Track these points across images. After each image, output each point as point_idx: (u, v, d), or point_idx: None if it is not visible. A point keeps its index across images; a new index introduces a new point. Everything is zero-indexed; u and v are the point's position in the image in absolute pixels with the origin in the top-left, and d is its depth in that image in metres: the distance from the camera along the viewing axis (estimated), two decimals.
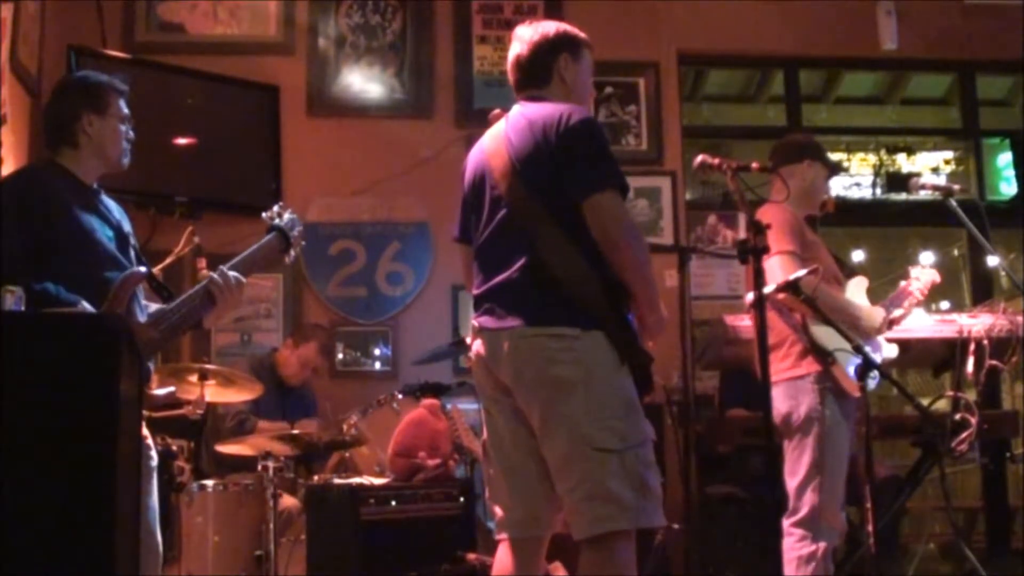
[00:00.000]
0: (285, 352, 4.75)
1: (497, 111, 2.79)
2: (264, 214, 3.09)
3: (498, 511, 2.63)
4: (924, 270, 3.68)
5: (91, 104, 2.76)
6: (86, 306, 2.47)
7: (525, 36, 2.74)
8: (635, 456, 2.42)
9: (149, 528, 2.66)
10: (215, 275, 2.78)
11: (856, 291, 3.60)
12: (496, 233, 2.61)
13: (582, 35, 2.79)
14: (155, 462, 2.82)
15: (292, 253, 3.08)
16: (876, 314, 3.52)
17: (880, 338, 3.55)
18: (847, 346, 3.07)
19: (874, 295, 3.64)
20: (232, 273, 2.79)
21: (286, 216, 3.09)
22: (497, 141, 2.66)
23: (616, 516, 2.38)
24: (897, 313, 3.60)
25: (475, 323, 2.63)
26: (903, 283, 3.67)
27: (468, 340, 2.72)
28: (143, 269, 2.64)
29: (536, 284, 2.49)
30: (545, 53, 2.71)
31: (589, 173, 2.50)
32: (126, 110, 2.83)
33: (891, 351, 3.57)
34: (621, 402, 2.44)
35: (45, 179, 2.69)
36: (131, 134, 2.84)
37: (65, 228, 2.62)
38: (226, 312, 2.85)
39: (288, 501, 4.03)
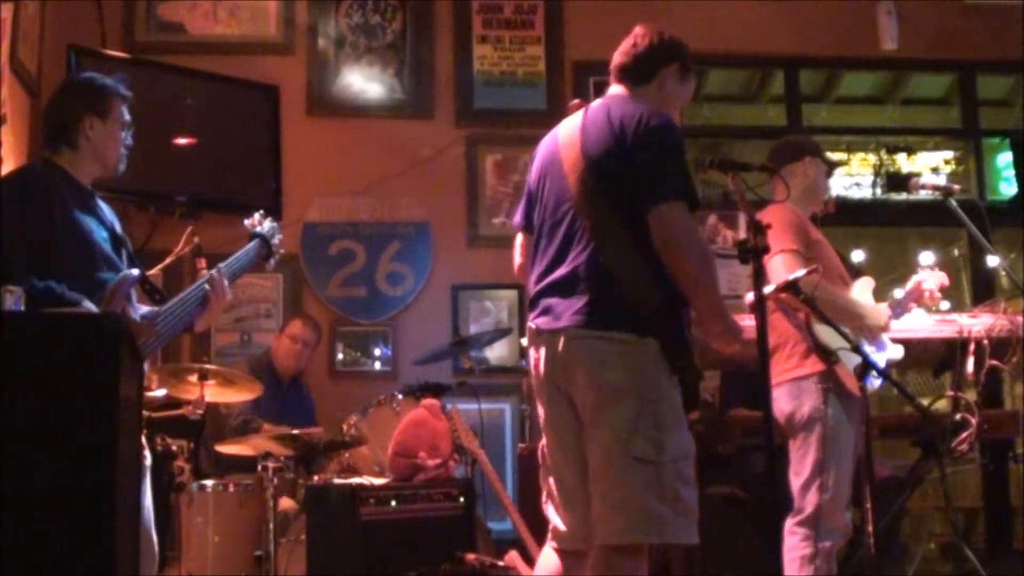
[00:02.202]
0: (275, 343, 4.80)
1: (577, 101, 2.76)
2: (246, 222, 3.16)
3: (553, 519, 2.58)
4: (933, 272, 3.67)
5: (94, 107, 2.76)
6: (88, 305, 2.48)
7: (650, 31, 2.70)
8: (673, 469, 2.38)
9: (145, 527, 2.66)
10: (214, 274, 2.80)
11: (863, 291, 3.59)
12: (558, 227, 2.55)
13: (695, 66, 2.77)
14: (149, 461, 2.82)
15: (272, 261, 3.14)
16: (881, 312, 3.51)
17: (886, 338, 3.54)
18: (847, 345, 3.06)
19: (875, 295, 3.63)
20: (213, 272, 2.83)
21: (267, 224, 3.17)
22: (572, 132, 2.59)
23: (645, 529, 2.35)
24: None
25: (532, 325, 2.59)
26: (911, 284, 3.65)
27: (524, 343, 2.69)
28: (136, 272, 2.65)
29: (596, 284, 2.45)
30: (661, 55, 2.67)
31: (659, 180, 2.43)
32: (128, 116, 2.83)
33: (897, 352, 3.56)
34: (667, 413, 2.41)
35: (44, 179, 2.69)
36: (130, 140, 2.85)
37: (64, 228, 2.62)
38: (215, 318, 2.90)
39: (285, 503, 4.02)
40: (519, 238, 2.81)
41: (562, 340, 2.46)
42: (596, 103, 2.65)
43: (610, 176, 2.48)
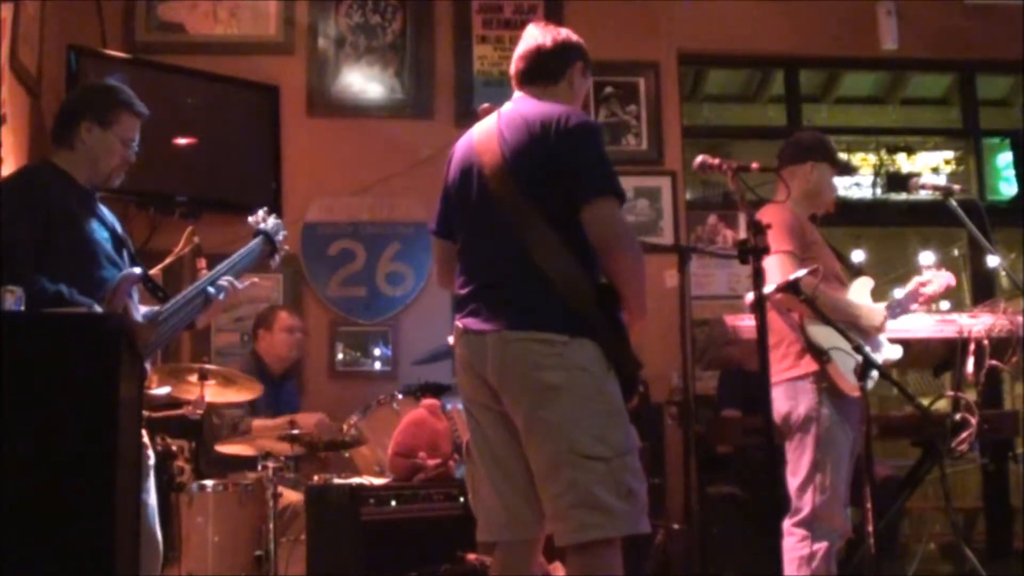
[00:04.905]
0: (264, 345, 4.69)
1: (487, 105, 2.75)
2: (250, 219, 3.15)
3: (486, 514, 2.58)
4: (939, 273, 3.67)
5: (97, 113, 2.75)
6: (98, 310, 2.48)
7: (547, 31, 2.70)
8: (622, 463, 2.39)
9: (148, 527, 2.67)
10: (223, 283, 2.81)
11: (860, 291, 3.59)
12: (484, 231, 2.56)
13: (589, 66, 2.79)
14: (152, 461, 2.82)
15: (277, 258, 3.13)
16: (876, 313, 3.52)
17: (882, 338, 3.54)
18: (843, 345, 3.06)
19: (875, 295, 3.63)
20: (227, 278, 2.83)
21: (271, 221, 3.16)
22: (489, 136, 2.60)
23: (603, 524, 2.36)
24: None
25: (459, 324, 2.58)
26: (911, 285, 3.65)
27: (451, 341, 2.68)
28: (138, 270, 2.65)
29: (525, 286, 2.45)
30: (566, 53, 2.69)
31: (590, 177, 2.46)
32: (134, 134, 2.81)
33: (894, 352, 3.55)
34: (609, 409, 2.42)
35: (45, 179, 2.70)
36: (133, 157, 2.83)
37: (64, 228, 2.63)
38: (216, 315, 2.91)
39: (292, 496, 4.02)
40: (436, 245, 2.78)
41: (492, 343, 2.45)
42: (507, 107, 2.66)
43: (534, 178, 2.48)
